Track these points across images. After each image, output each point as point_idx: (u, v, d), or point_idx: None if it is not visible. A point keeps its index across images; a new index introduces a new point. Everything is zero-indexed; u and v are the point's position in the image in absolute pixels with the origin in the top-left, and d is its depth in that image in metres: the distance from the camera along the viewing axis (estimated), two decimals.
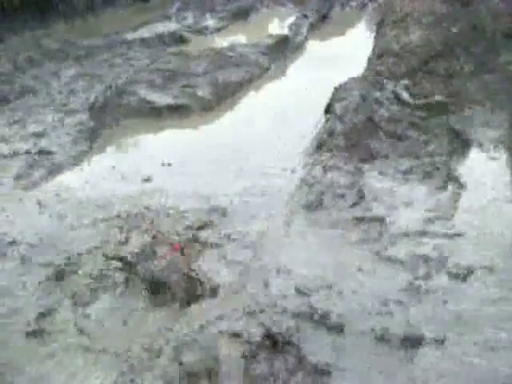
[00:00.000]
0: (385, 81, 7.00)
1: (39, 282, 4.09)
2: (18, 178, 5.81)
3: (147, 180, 5.65)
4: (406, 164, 5.35)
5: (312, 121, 6.74)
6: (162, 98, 7.37)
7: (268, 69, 8.87)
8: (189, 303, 3.81)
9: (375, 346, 3.38)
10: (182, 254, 4.25)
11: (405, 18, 9.63)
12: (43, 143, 6.43)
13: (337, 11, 12.70)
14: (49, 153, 6.24)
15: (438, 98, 6.53)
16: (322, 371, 3.17)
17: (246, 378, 3.06)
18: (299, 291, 3.76)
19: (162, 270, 4.01)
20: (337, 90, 6.91)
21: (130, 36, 10.24)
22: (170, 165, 5.93)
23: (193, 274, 4.02)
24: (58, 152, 6.24)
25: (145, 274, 4.03)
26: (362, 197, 4.83)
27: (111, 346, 3.49)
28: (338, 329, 3.46)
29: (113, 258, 4.25)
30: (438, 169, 5.27)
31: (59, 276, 4.15)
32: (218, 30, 11.03)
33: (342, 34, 11.49)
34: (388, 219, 4.55)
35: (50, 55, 9.36)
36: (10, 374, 3.34)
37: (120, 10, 12.76)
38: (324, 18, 12.15)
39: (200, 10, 12.08)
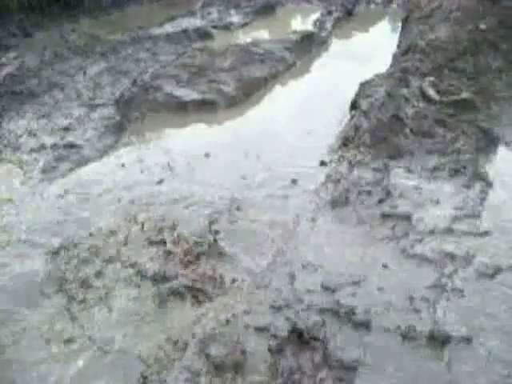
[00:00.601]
0: (411, 77, 6.94)
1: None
2: (44, 171, 5.89)
3: (169, 172, 5.73)
4: (433, 161, 5.32)
5: (337, 117, 6.73)
6: (187, 93, 7.40)
7: (293, 65, 8.85)
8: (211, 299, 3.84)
9: (401, 343, 3.38)
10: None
11: (431, 14, 9.52)
12: (70, 137, 6.50)
13: (362, 7, 12.60)
14: (75, 146, 6.31)
15: (464, 95, 6.45)
16: (348, 367, 3.17)
17: (272, 371, 3.08)
18: (325, 287, 3.76)
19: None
20: (362, 86, 6.88)
21: (155, 31, 10.28)
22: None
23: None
24: (85, 146, 6.31)
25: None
26: (388, 194, 4.81)
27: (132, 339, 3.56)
28: (364, 325, 3.46)
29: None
30: (465, 167, 5.23)
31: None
32: (243, 25, 11.02)
33: (367, 30, 11.42)
34: (414, 216, 4.52)
35: (77, 50, 9.44)
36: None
37: (144, 6, 12.82)
38: (349, 14, 12.07)
39: (225, 5, 12.09)
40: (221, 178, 5.51)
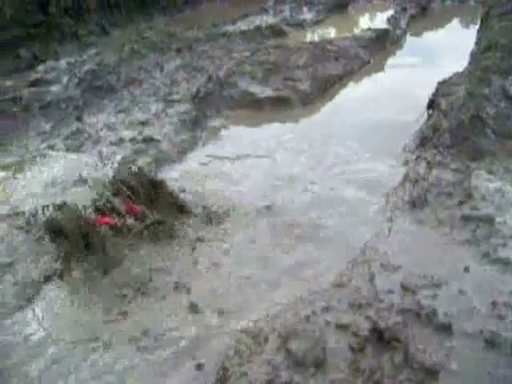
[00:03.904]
0: (492, 76, 6.71)
1: None
2: (123, 164, 6.06)
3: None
4: None
5: (412, 116, 6.61)
6: (262, 90, 7.47)
7: (368, 62, 8.76)
8: None
9: (484, 349, 3.28)
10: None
11: None
12: (148, 131, 6.70)
13: (437, 3, 12.30)
14: (153, 141, 6.48)
15: None
16: (429, 370, 3.11)
17: (352, 370, 3.07)
18: (405, 287, 3.70)
19: None
20: (441, 84, 6.72)
21: (229, 28, 10.43)
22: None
23: None
24: (162, 140, 6.47)
25: None
26: (469, 195, 4.67)
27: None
28: (446, 328, 3.38)
29: None
30: None
31: None
32: (316, 23, 10.98)
33: (443, 27, 11.15)
34: (497, 220, 4.38)
35: (153, 47, 9.70)
36: None
37: (217, 4, 13.00)
38: (423, 10, 11.81)
39: (297, 3, 12.09)
40: (296, 174, 5.59)
